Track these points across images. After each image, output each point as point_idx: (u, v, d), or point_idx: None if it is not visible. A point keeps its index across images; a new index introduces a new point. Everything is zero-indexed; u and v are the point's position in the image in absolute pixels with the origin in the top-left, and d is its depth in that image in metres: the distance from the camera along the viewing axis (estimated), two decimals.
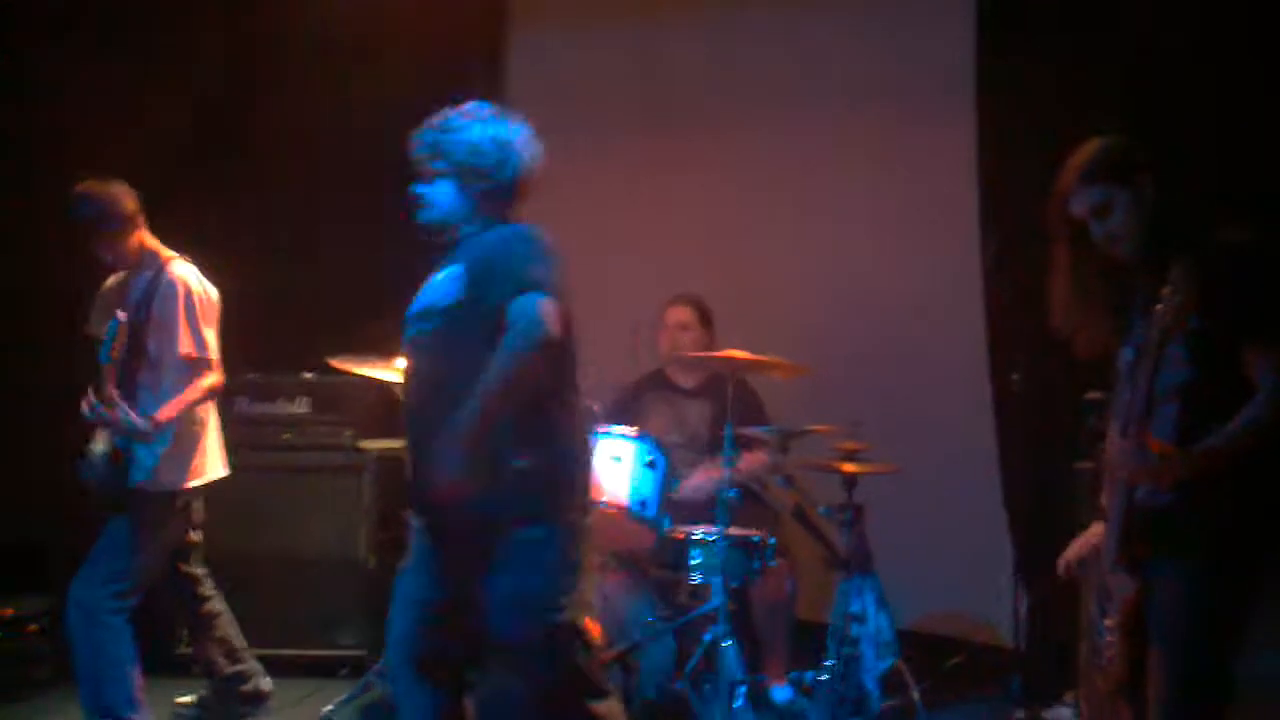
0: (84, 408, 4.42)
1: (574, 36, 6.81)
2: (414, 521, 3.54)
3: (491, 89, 6.79)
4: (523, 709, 3.31)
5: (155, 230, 4.75)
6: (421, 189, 3.48)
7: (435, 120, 3.48)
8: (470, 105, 3.51)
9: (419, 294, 3.48)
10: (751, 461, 5.26)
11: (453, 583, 3.40)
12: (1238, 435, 2.92)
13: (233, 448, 4.92)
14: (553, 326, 3.15)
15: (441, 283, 3.40)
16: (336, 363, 5.04)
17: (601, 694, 3.43)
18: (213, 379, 4.63)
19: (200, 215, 5.90)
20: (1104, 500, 3.28)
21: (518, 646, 3.32)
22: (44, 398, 5.39)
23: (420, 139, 3.47)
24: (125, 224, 4.62)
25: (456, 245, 3.47)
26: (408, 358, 3.51)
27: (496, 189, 3.44)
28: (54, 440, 4.88)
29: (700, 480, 5.28)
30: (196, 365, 4.58)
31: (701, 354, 5.20)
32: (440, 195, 3.46)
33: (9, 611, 5.46)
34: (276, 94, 6.54)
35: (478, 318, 3.24)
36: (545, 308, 3.15)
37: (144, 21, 6.23)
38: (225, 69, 6.44)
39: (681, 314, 5.51)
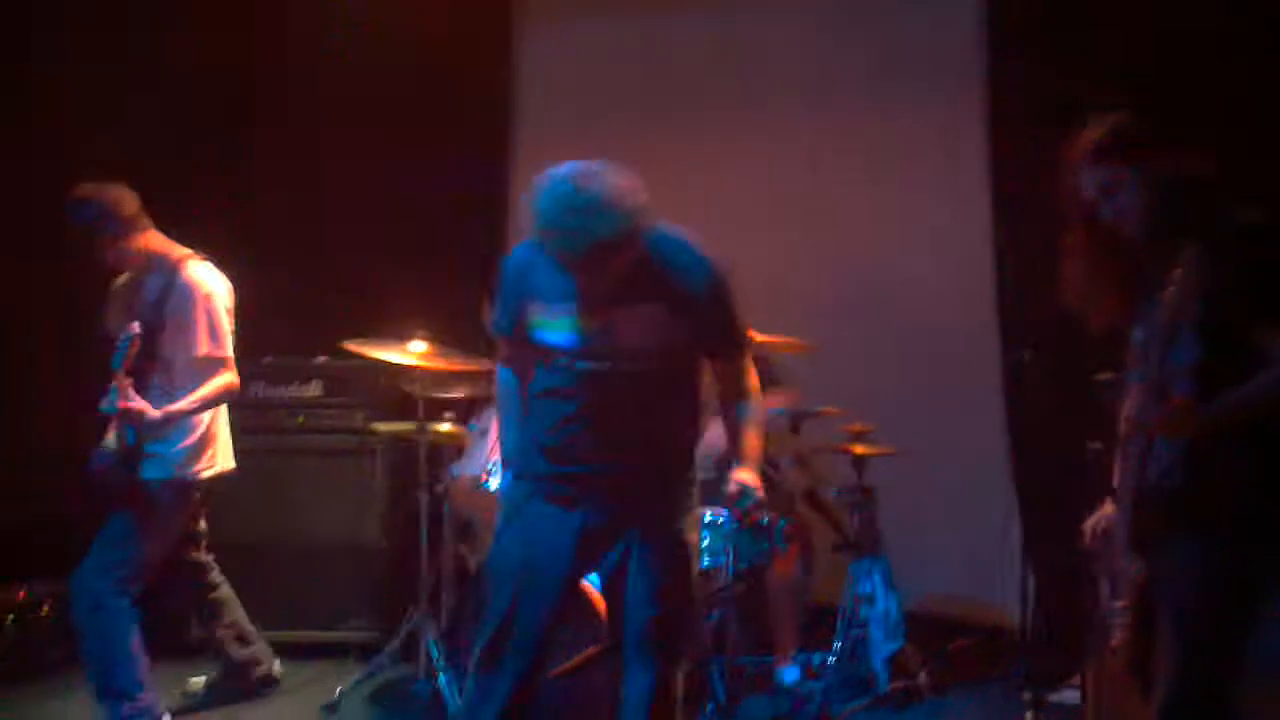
0: (102, 403, 4.41)
1: (581, 31, 6.82)
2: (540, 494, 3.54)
3: (499, 84, 6.83)
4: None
5: (169, 216, 4.72)
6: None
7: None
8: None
9: (607, 320, 3.41)
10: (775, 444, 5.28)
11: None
12: (1254, 396, 2.91)
13: (246, 432, 4.93)
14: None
15: (649, 321, 3.40)
16: (350, 346, 5.06)
17: None
18: (229, 377, 4.59)
19: (215, 201, 5.93)
20: (1116, 481, 3.30)
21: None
22: (57, 382, 5.41)
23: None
24: (128, 226, 4.54)
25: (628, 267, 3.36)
26: (597, 380, 3.45)
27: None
28: (66, 425, 4.90)
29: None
30: (214, 365, 4.55)
31: None
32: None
33: (21, 594, 5.48)
34: (286, 83, 6.56)
35: (688, 355, 3.52)
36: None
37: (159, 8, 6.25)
38: (236, 59, 6.42)
39: None
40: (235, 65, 6.43)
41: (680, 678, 3.53)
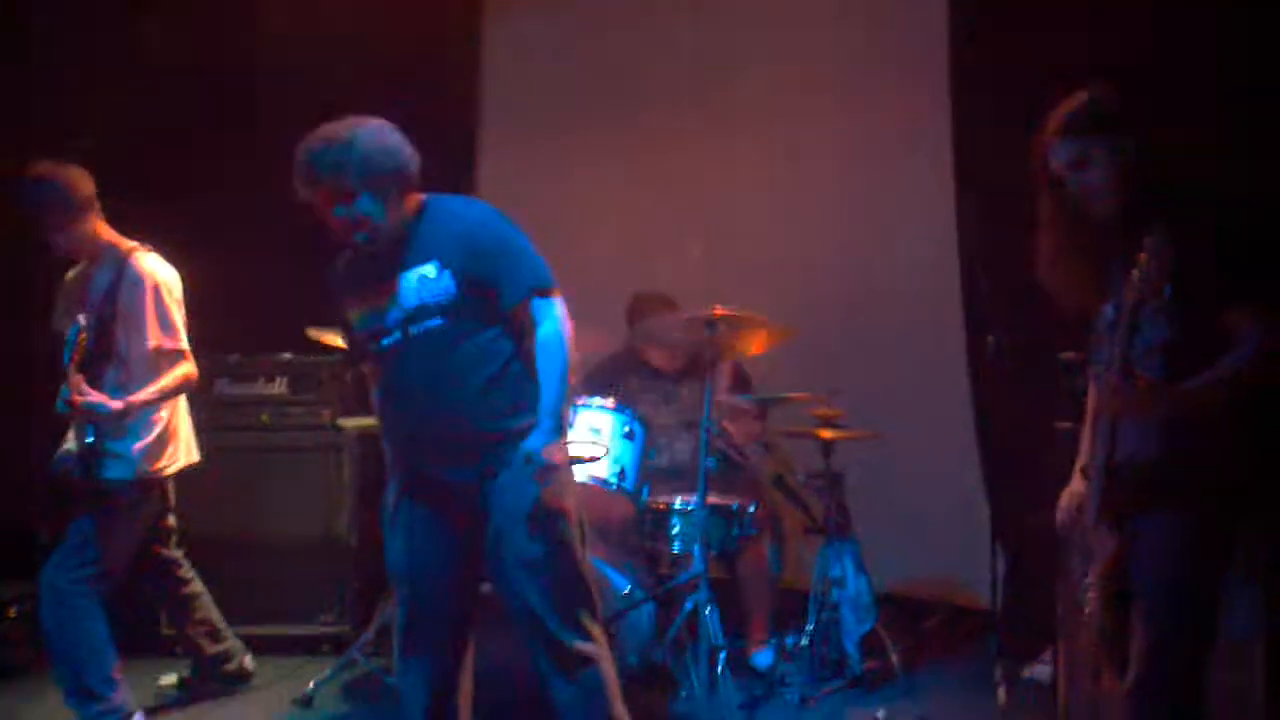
0: (57, 402, 4.38)
1: (550, 26, 6.80)
2: (407, 493, 3.73)
3: (467, 80, 6.81)
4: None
5: (131, 211, 4.68)
6: (345, 210, 3.51)
7: (319, 143, 3.48)
8: (345, 121, 3.53)
9: (391, 294, 3.57)
10: (743, 431, 5.30)
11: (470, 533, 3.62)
12: (1221, 380, 2.94)
13: (212, 429, 4.91)
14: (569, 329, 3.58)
15: (426, 281, 3.54)
16: (314, 333, 5.03)
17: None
18: (186, 368, 4.56)
19: (178, 196, 5.89)
20: (1083, 458, 3.32)
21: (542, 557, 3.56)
22: (24, 388, 5.36)
23: (317, 163, 3.47)
24: (81, 210, 4.50)
25: (402, 240, 3.59)
26: (399, 352, 3.59)
27: (404, 186, 3.58)
28: (34, 427, 4.86)
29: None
30: (169, 356, 4.52)
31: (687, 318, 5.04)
32: (365, 209, 3.51)
33: None
34: (253, 81, 6.52)
35: (485, 312, 3.56)
36: (565, 319, 3.58)
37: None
38: (199, 57, 6.38)
39: (669, 319, 5.24)
40: (199, 63, 6.38)
41: (601, 641, 3.60)
